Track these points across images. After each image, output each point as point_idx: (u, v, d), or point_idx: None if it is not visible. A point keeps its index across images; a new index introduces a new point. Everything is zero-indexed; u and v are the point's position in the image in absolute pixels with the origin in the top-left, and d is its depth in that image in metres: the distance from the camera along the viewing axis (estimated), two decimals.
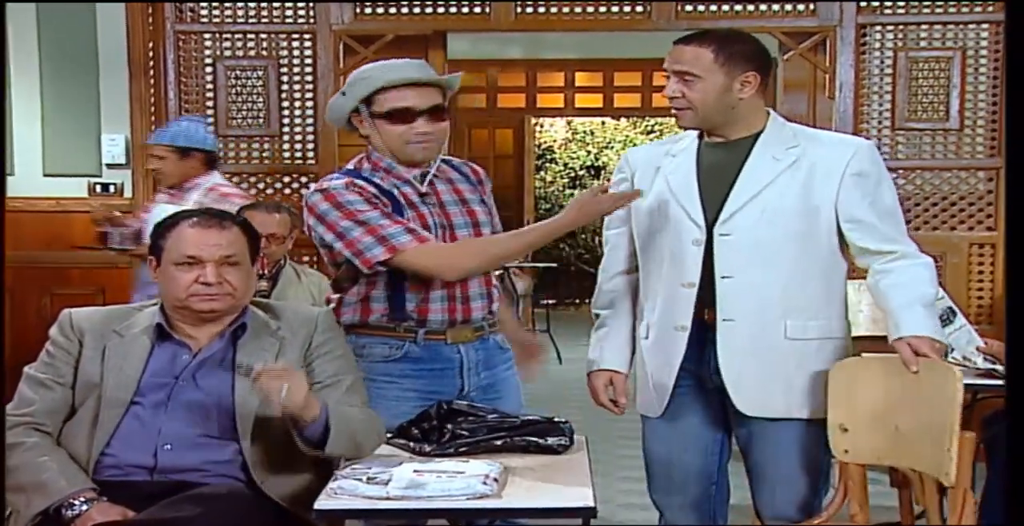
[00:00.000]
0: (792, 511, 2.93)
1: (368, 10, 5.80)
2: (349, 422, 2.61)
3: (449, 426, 2.73)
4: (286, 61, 5.82)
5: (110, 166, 5.77)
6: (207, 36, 5.82)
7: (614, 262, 3.10)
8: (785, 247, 2.84)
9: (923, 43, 5.68)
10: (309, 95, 5.82)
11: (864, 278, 2.94)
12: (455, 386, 3.05)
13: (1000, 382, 2.76)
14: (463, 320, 3.04)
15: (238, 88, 5.82)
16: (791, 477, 2.92)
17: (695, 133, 2.97)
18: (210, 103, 5.83)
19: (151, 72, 5.73)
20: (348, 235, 2.92)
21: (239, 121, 5.84)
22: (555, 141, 14.45)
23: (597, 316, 3.15)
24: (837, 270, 2.92)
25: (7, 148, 5.66)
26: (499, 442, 2.71)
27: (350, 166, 3.10)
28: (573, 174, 14.43)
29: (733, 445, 3.07)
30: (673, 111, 2.94)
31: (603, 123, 14.35)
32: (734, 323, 2.85)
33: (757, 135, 2.90)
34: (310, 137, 5.86)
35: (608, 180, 3.10)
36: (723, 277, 2.85)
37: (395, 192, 3.00)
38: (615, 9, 5.79)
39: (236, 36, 5.81)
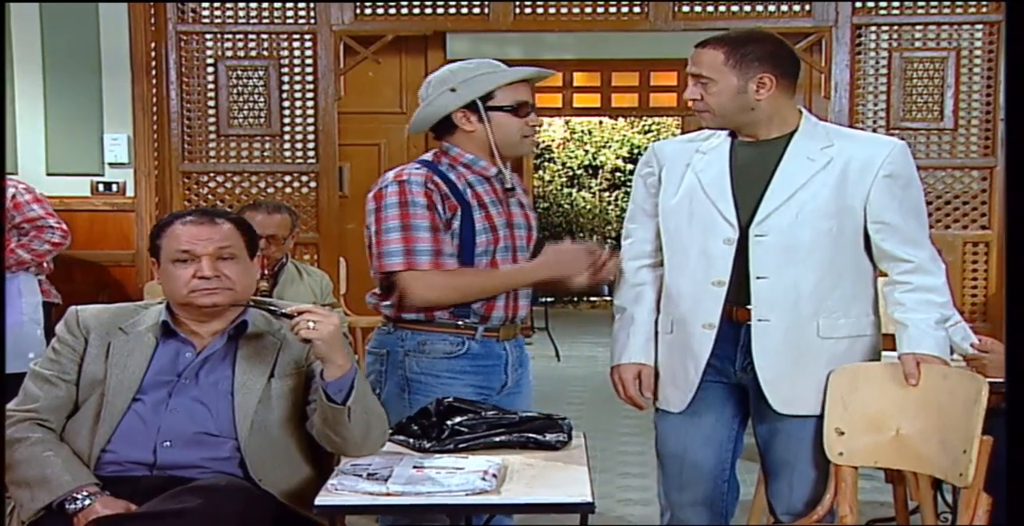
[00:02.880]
0: (802, 507, 2.95)
1: (368, 11, 5.83)
2: (367, 396, 2.62)
3: (448, 423, 2.73)
4: (287, 61, 5.85)
5: (112, 165, 5.79)
6: (208, 36, 5.85)
7: (640, 255, 3.08)
8: (818, 247, 2.84)
9: (918, 43, 5.72)
10: (310, 95, 5.85)
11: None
12: (501, 381, 3.11)
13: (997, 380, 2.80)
14: (512, 317, 3.12)
15: (239, 88, 5.85)
16: (810, 473, 2.93)
17: (726, 132, 2.96)
18: (211, 103, 5.86)
19: (153, 72, 5.77)
20: (387, 234, 2.98)
21: (240, 121, 5.87)
22: (553, 140, 14.47)
23: (622, 309, 3.10)
24: (866, 268, 2.92)
25: (7, 148, 5.68)
26: (498, 438, 2.71)
27: (428, 157, 3.12)
28: (571, 173, 14.45)
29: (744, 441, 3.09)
30: (695, 113, 2.96)
31: (601, 123, 14.37)
32: (769, 323, 2.86)
33: (791, 135, 2.90)
34: (311, 137, 5.89)
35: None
36: (758, 277, 2.85)
37: (468, 192, 3.04)
38: (613, 10, 5.82)
39: (237, 36, 5.84)
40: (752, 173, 2.89)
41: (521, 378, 3.20)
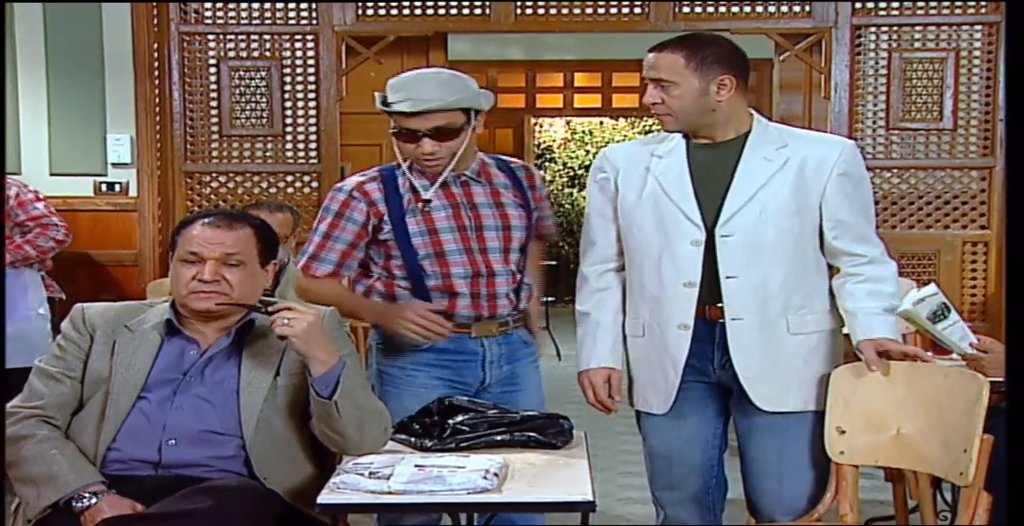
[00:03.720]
0: (803, 504, 2.96)
1: (370, 11, 5.84)
2: (356, 391, 2.63)
3: (450, 422, 2.75)
4: (289, 62, 5.85)
5: (115, 165, 5.80)
6: (211, 37, 5.85)
7: (601, 258, 3.09)
8: (781, 245, 2.89)
9: (917, 44, 5.72)
10: (312, 95, 5.86)
11: None
12: (477, 377, 3.17)
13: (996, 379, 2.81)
14: (488, 316, 3.15)
15: (242, 88, 5.85)
16: (799, 470, 2.95)
17: (679, 135, 3.00)
18: (214, 103, 5.87)
19: (156, 73, 5.77)
20: (310, 236, 3.20)
21: (243, 121, 5.88)
22: (554, 141, 14.46)
23: (585, 314, 3.11)
24: (823, 265, 2.98)
25: (10, 148, 5.69)
26: (499, 437, 2.72)
27: (396, 161, 3.20)
28: (572, 173, 14.44)
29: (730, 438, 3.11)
30: (656, 117, 2.99)
31: (601, 123, 14.36)
32: (743, 321, 2.89)
33: (745, 136, 2.94)
34: (312, 137, 5.90)
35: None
36: (728, 277, 2.88)
37: (407, 197, 3.13)
38: (614, 10, 5.82)
39: (240, 37, 5.85)
40: (712, 175, 2.93)
41: (516, 375, 3.23)
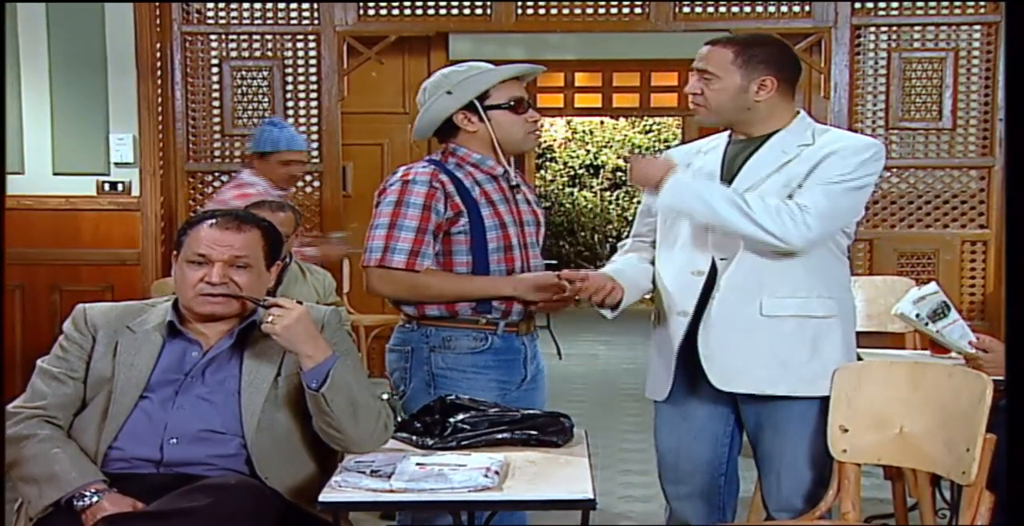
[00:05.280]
0: (798, 501, 2.97)
1: (371, 12, 5.86)
2: (351, 386, 2.63)
3: (451, 420, 2.75)
4: (291, 62, 5.88)
5: (118, 165, 5.81)
6: (213, 37, 5.88)
7: (636, 248, 3.17)
8: None
9: (916, 44, 5.74)
10: (314, 95, 5.89)
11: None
12: (520, 375, 3.17)
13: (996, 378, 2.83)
14: (528, 313, 3.17)
15: (244, 88, 5.88)
16: (796, 465, 2.96)
17: (726, 133, 3.05)
18: (216, 103, 5.89)
19: (158, 72, 5.79)
20: (374, 230, 3.07)
21: (245, 120, 5.90)
22: (555, 140, 14.50)
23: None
24: (826, 254, 2.95)
25: (13, 147, 5.72)
26: (500, 436, 2.72)
27: (436, 157, 3.18)
28: (573, 172, 14.48)
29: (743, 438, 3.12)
30: (691, 106, 3.03)
31: (602, 123, 14.40)
32: (714, 301, 2.92)
33: (777, 131, 2.96)
34: (314, 136, 5.92)
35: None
36: (721, 259, 2.92)
37: (476, 190, 3.10)
38: (614, 10, 5.84)
39: (242, 37, 5.88)
40: (735, 165, 2.97)
41: (537, 372, 3.25)
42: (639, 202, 3.28)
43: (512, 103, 3.11)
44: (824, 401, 2.92)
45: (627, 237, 3.25)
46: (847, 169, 2.86)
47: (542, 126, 3.19)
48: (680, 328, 2.96)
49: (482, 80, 3.10)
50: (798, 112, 3.02)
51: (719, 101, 2.94)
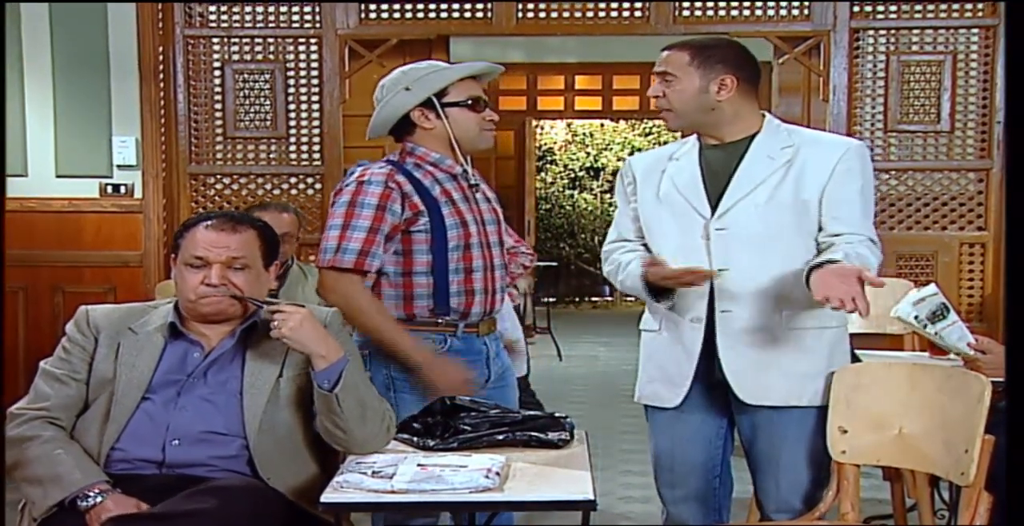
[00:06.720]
0: (797, 502, 2.98)
1: (373, 15, 5.86)
2: (359, 387, 2.66)
3: (452, 421, 2.76)
4: (292, 64, 5.88)
5: (121, 167, 5.80)
6: (215, 40, 5.87)
7: (617, 237, 3.17)
8: (777, 240, 2.92)
9: (915, 47, 5.73)
10: (315, 98, 5.89)
11: None
12: (484, 376, 3.17)
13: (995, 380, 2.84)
14: (489, 312, 3.18)
15: (246, 91, 5.88)
16: (795, 467, 2.97)
17: (694, 138, 3.07)
18: (218, 106, 5.89)
19: (161, 75, 5.79)
20: (328, 231, 3.07)
21: (246, 123, 5.90)
22: (555, 143, 14.52)
23: (612, 266, 3.13)
24: None
25: (17, 149, 5.73)
26: (501, 437, 2.73)
27: (393, 158, 3.19)
28: (573, 175, 14.50)
29: (736, 439, 3.13)
30: (659, 114, 3.06)
31: (602, 125, 14.41)
32: (731, 314, 2.93)
33: (754, 136, 2.99)
34: (316, 139, 5.92)
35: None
36: (719, 270, 2.92)
37: (436, 189, 3.11)
38: (614, 13, 5.84)
39: (244, 40, 5.87)
40: (719, 173, 2.99)
41: (504, 371, 3.25)
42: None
43: (470, 101, 3.14)
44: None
45: (610, 244, 3.20)
46: (870, 186, 2.99)
47: (495, 127, 3.20)
48: (697, 335, 2.97)
49: (441, 77, 3.13)
50: (763, 115, 3.05)
51: (682, 101, 2.97)
